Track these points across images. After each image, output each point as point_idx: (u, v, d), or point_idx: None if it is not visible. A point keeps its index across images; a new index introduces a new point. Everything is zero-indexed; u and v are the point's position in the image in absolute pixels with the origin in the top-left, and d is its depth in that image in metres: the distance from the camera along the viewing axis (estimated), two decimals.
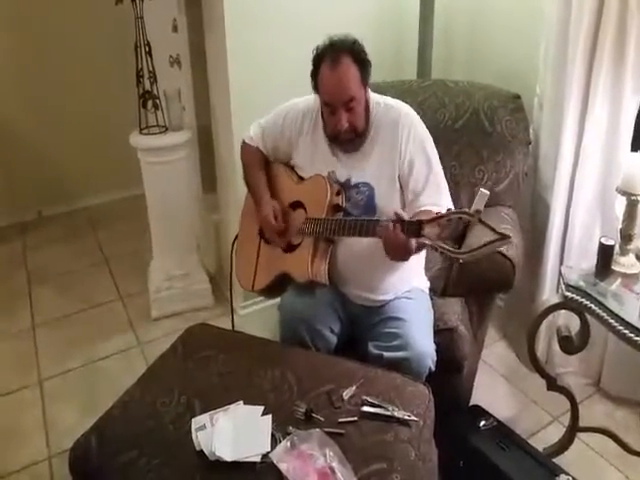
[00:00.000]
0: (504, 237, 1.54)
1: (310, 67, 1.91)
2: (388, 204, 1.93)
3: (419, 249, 1.73)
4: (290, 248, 2.04)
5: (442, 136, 2.28)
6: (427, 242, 1.63)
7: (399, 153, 1.93)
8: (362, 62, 1.87)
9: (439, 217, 1.60)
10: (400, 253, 1.72)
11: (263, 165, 2.18)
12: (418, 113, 2.06)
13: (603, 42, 2.12)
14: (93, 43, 3.90)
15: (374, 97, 2.00)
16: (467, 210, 1.55)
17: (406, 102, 2.12)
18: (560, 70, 2.30)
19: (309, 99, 2.06)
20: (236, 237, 2.29)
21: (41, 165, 4.11)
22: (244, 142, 2.22)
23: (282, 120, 2.10)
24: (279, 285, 2.06)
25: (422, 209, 1.88)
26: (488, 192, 1.55)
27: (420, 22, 2.76)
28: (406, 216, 1.70)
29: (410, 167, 1.93)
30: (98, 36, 3.86)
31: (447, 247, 1.60)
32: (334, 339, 1.97)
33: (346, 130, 1.89)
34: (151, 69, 2.77)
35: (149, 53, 2.74)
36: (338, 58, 1.83)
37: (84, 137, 4.13)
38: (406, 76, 2.79)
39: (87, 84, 4.02)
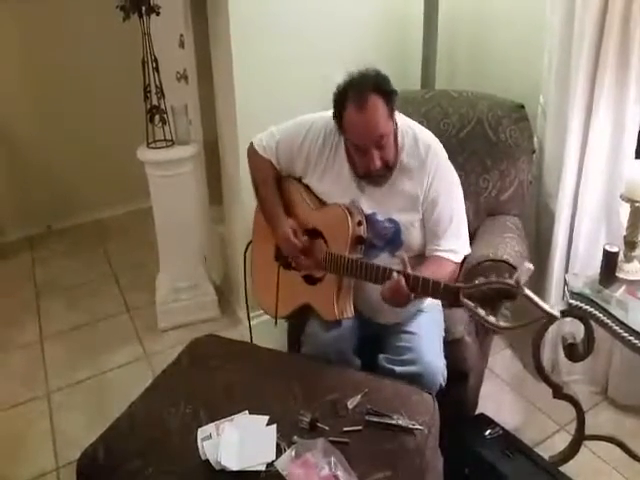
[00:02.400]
0: (551, 317, 1.47)
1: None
2: (414, 241, 1.93)
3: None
4: (312, 280, 2.00)
5: (446, 146, 2.27)
6: (465, 307, 1.57)
7: (424, 192, 1.90)
8: (388, 95, 1.79)
9: (480, 285, 1.55)
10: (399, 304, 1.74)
11: (276, 182, 2.09)
12: (422, 124, 2.07)
13: (606, 50, 2.13)
14: (101, 59, 3.94)
15: (402, 122, 1.93)
16: (510, 282, 1.48)
17: (410, 113, 2.13)
18: (563, 79, 2.31)
19: (329, 119, 1.95)
20: (249, 243, 2.26)
21: (50, 179, 4.14)
22: (254, 149, 2.12)
23: (301, 138, 2.00)
24: (301, 311, 2.03)
25: (436, 254, 1.89)
26: (532, 267, 1.48)
27: (424, 33, 2.78)
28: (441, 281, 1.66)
29: (433, 207, 1.90)
30: (106, 52, 3.90)
31: (487, 318, 1.53)
32: (359, 361, 1.96)
33: (380, 168, 1.84)
34: (158, 84, 2.79)
35: (156, 69, 2.76)
36: (364, 98, 1.74)
37: (92, 151, 4.16)
38: (410, 87, 2.81)
39: (95, 99, 4.06)
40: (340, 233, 1.89)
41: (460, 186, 1.99)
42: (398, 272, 1.70)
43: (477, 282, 1.56)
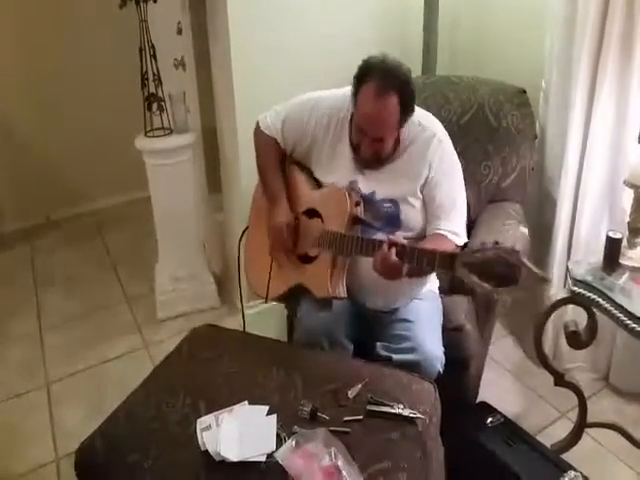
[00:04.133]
0: (545, 280, 1.51)
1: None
2: (413, 221, 1.92)
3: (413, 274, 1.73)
4: (306, 259, 1.99)
5: (447, 132, 2.27)
6: (460, 276, 1.57)
7: (427, 175, 1.89)
8: (405, 107, 1.78)
9: (475, 251, 1.55)
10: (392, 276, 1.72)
11: (280, 161, 2.09)
12: (422, 109, 2.04)
13: (609, 34, 2.10)
14: (98, 47, 3.91)
15: (413, 117, 1.88)
16: (506, 247, 1.50)
17: None
18: (566, 64, 2.28)
19: (336, 97, 1.98)
20: (245, 230, 2.25)
21: (48, 169, 4.12)
22: (259, 128, 2.10)
23: (306, 117, 1.99)
24: (293, 292, 2.02)
25: (437, 232, 1.88)
26: (526, 231, 1.52)
27: (425, 18, 2.75)
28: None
29: (435, 192, 1.89)
30: (103, 39, 3.87)
31: (482, 284, 1.53)
32: (351, 346, 1.95)
33: (369, 155, 1.85)
34: (156, 72, 2.77)
35: (154, 56, 2.74)
36: (386, 93, 1.72)
37: (90, 141, 4.14)
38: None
39: (93, 88, 4.03)
40: (338, 212, 1.89)
41: (462, 173, 1.98)
42: (388, 242, 1.69)
43: (472, 249, 1.57)
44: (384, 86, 1.73)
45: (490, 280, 1.53)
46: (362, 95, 1.78)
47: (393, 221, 1.92)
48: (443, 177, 1.90)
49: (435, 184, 1.89)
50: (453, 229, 1.88)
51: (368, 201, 1.92)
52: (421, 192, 1.91)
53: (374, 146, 1.83)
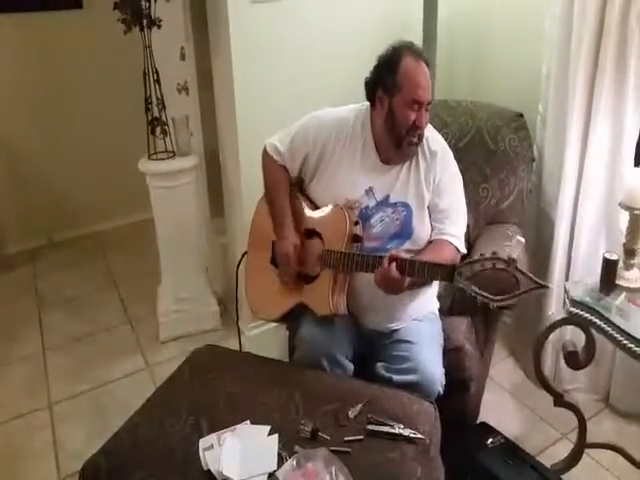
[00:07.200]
0: (543, 287, 1.55)
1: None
2: (423, 227, 1.97)
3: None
4: (307, 279, 2.01)
5: None
6: (460, 287, 1.63)
7: (434, 180, 1.97)
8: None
9: (473, 261, 1.62)
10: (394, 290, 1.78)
11: (289, 188, 2.11)
12: None
13: (604, 59, 2.15)
14: (102, 72, 3.97)
15: None
16: (502, 257, 1.56)
17: None
18: (562, 88, 2.32)
19: (343, 111, 2.05)
20: (243, 254, 2.27)
21: (51, 191, 4.15)
22: (268, 154, 2.11)
23: (313, 132, 2.02)
24: (294, 312, 2.04)
25: (440, 237, 1.94)
26: (524, 240, 1.57)
27: (423, 43, 2.78)
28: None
29: (441, 196, 1.97)
30: (107, 65, 3.93)
31: (481, 292, 1.60)
32: (351, 366, 1.96)
33: (423, 129, 1.92)
34: (159, 96, 2.81)
35: (157, 81, 2.78)
36: (421, 58, 1.90)
37: (94, 163, 4.18)
38: None
39: (96, 111, 4.08)
40: (337, 231, 1.93)
41: (462, 182, 2.07)
42: (389, 257, 1.74)
43: (471, 259, 1.64)
44: (417, 54, 1.91)
45: (490, 289, 1.60)
46: (404, 69, 1.88)
47: (405, 229, 1.95)
48: (448, 183, 1.99)
49: (441, 190, 1.98)
50: (456, 233, 1.95)
51: (383, 205, 1.96)
52: (428, 199, 1.98)
53: (426, 116, 1.92)
